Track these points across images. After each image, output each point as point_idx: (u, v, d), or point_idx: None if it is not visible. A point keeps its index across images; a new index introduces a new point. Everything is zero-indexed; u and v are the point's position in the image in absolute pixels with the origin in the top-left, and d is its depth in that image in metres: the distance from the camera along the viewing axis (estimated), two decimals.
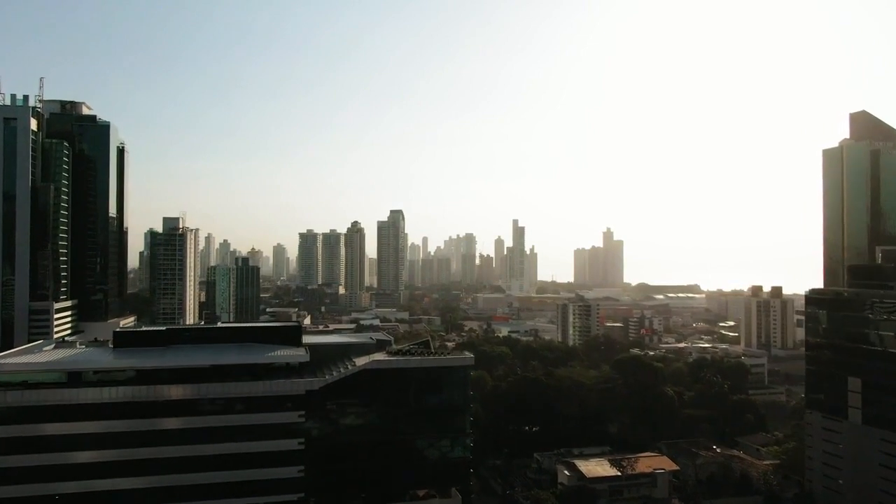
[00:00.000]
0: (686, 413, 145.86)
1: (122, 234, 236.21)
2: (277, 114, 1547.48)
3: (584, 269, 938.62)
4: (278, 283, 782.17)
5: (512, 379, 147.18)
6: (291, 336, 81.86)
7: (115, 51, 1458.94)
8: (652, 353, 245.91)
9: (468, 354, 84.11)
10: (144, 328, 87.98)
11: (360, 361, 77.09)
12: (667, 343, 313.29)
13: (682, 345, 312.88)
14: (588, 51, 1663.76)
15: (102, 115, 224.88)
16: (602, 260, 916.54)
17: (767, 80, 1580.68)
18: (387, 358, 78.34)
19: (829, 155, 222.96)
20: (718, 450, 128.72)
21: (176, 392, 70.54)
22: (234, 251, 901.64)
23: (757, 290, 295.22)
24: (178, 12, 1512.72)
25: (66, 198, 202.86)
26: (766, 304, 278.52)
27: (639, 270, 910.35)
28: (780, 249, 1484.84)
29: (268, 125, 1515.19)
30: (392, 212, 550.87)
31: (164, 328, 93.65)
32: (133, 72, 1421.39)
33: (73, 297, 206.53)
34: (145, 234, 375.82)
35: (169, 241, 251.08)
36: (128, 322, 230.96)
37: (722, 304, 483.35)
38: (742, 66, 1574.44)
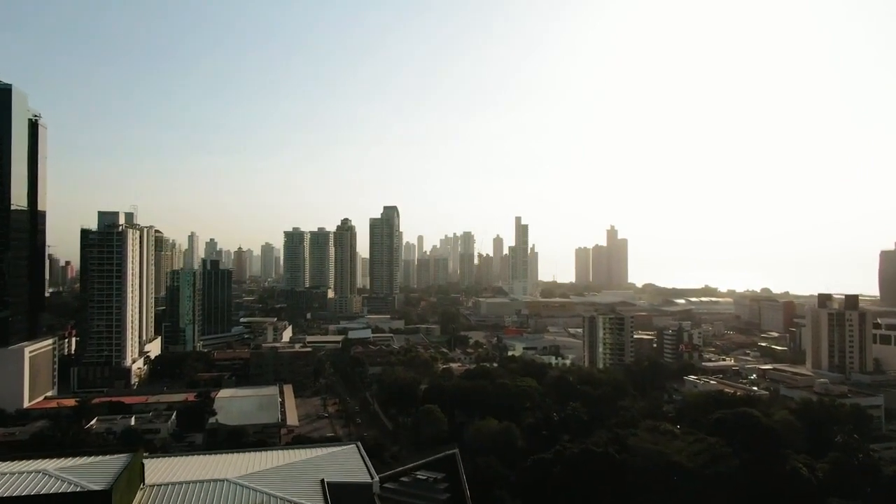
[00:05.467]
0: None
1: (35, 233, 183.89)
2: (268, 111, 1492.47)
3: (587, 268, 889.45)
4: (265, 284, 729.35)
5: (567, 453, 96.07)
6: None
7: (120, 48, 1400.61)
8: (712, 381, 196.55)
9: None
10: None
11: None
12: (710, 361, 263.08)
13: (729, 362, 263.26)
14: (590, 46, 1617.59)
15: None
16: (606, 259, 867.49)
17: (763, 76, 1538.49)
18: None
19: None
20: None
21: None
22: (221, 250, 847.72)
23: (825, 298, 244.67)
24: (176, 11, 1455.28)
25: None
26: (841, 316, 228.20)
27: (641, 270, 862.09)
28: (772, 249, 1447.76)
29: (260, 122, 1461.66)
30: (386, 208, 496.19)
31: None
32: (133, 72, 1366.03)
33: None
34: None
35: (104, 242, 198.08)
36: (42, 346, 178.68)
37: (753, 310, 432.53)
38: (739, 60, 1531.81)
